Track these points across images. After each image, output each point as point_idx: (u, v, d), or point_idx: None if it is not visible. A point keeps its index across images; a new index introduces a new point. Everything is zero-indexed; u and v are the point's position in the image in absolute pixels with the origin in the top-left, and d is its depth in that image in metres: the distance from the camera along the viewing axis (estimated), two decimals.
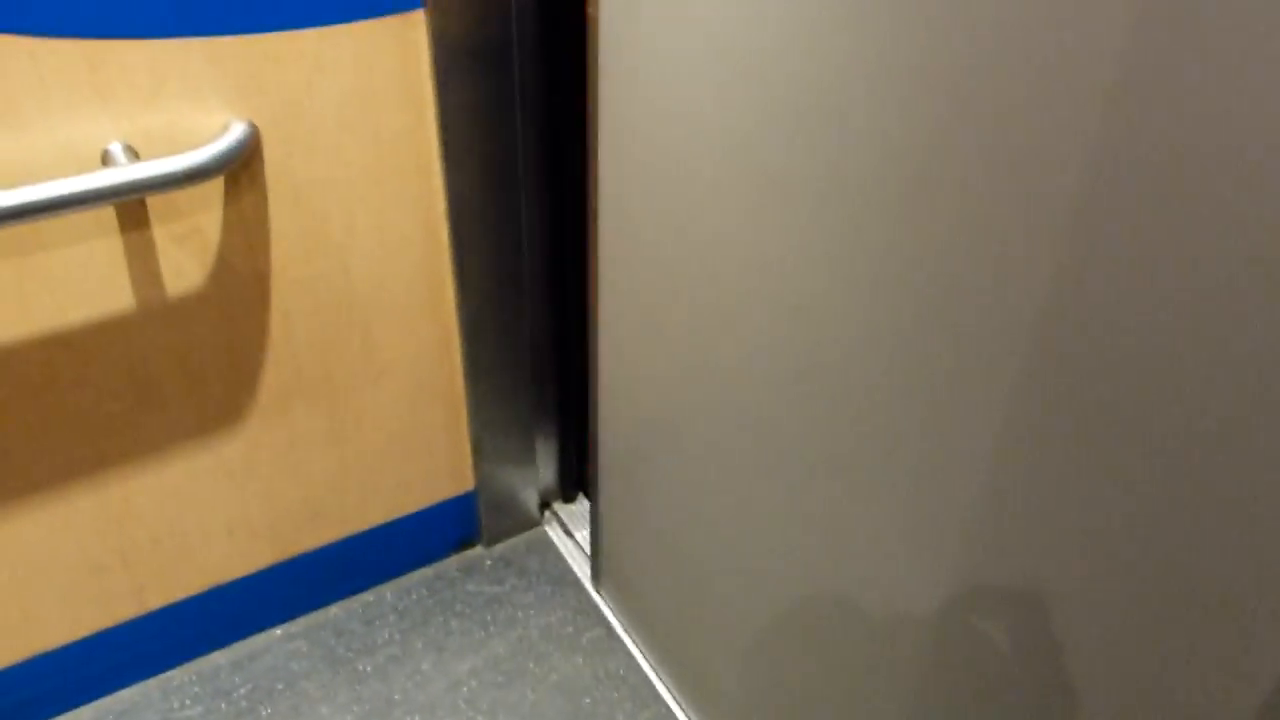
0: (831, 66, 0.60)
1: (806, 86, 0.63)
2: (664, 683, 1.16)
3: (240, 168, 0.89)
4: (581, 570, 1.32)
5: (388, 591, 1.28)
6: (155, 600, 1.10)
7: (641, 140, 0.83)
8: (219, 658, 1.19)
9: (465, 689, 1.16)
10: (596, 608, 1.26)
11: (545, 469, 1.35)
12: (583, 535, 1.36)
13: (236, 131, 0.84)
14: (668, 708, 1.14)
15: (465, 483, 1.28)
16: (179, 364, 0.96)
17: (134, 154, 0.82)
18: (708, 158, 0.75)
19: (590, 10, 0.85)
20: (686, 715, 1.13)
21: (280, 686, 1.15)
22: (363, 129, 0.93)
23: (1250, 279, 0.42)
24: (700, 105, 0.74)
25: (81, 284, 0.87)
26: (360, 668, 1.18)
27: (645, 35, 0.78)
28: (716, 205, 0.76)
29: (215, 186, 0.89)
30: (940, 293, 0.58)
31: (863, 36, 0.57)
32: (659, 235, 0.85)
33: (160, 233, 0.88)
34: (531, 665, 1.18)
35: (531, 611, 1.26)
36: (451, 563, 1.33)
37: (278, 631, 1.22)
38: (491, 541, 1.35)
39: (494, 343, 1.16)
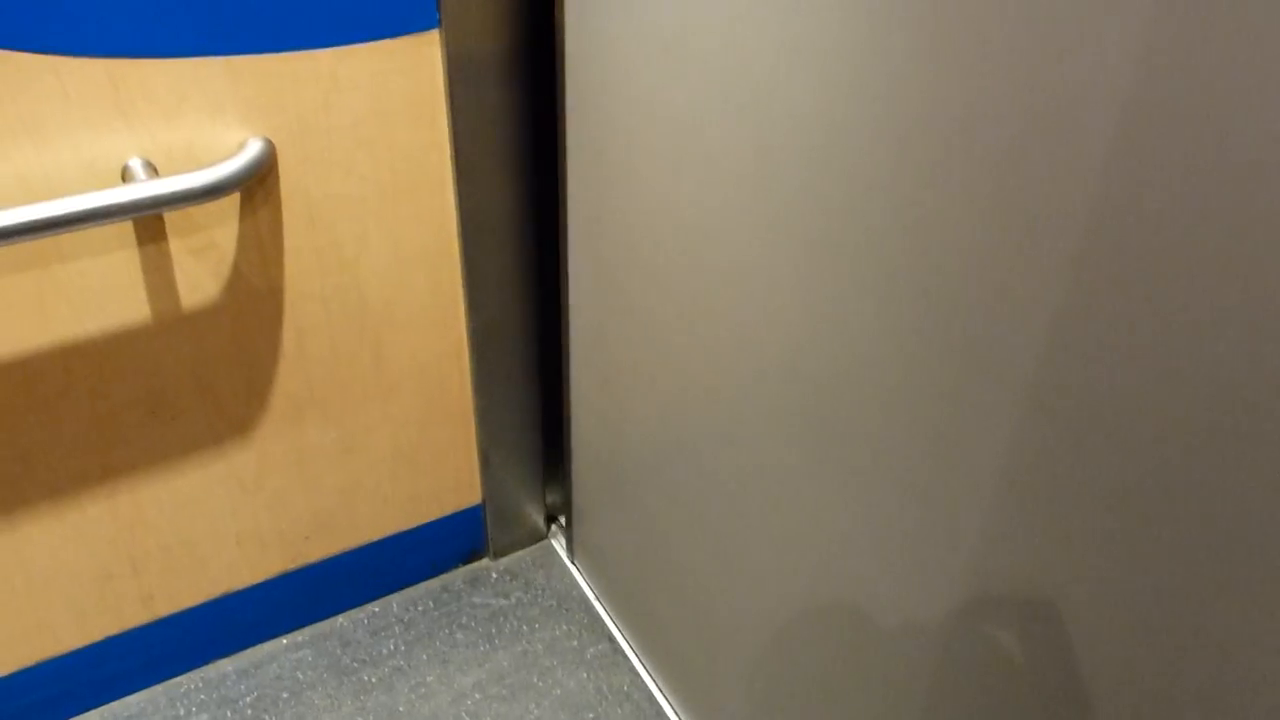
0: (828, 79, 0.61)
1: (804, 95, 0.64)
2: (669, 700, 1.16)
3: (256, 184, 0.90)
4: (587, 584, 1.32)
5: (394, 603, 1.29)
6: (164, 607, 1.12)
7: (612, 147, 0.85)
8: (226, 665, 1.20)
9: (469, 702, 1.16)
10: (601, 623, 1.26)
11: (552, 483, 1.36)
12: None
13: (254, 148, 0.85)
14: None
15: (473, 496, 1.29)
16: (192, 375, 0.97)
17: (153, 169, 0.84)
18: (681, 162, 0.76)
19: (557, 17, 0.88)
20: None
21: (285, 695, 1.16)
22: (377, 146, 0.95)
23: (1253, 299, 0.42)
24: (672, 110, 0.75)
25: (99, 295, 0.88)
26: (365, 678, 1.19)
27: (611, 49, 0.79)
28: (689, 202, 0.77)
29: (232, 202, 0.90)
30: (948, 295, 0.59)
31: (863, 51, 0.58)
32: (630, 224, 0.86)
33: (177, 246, 0.90)
34: (535, 680, 1.19)
35: (536, 625, 1.26)
36: (458, 575, 1.34)
37: (284, 640, 1.23)
38: (498, 554, 1.36)
39: (503, 357, 1.17)
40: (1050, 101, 0.48)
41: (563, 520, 1.42)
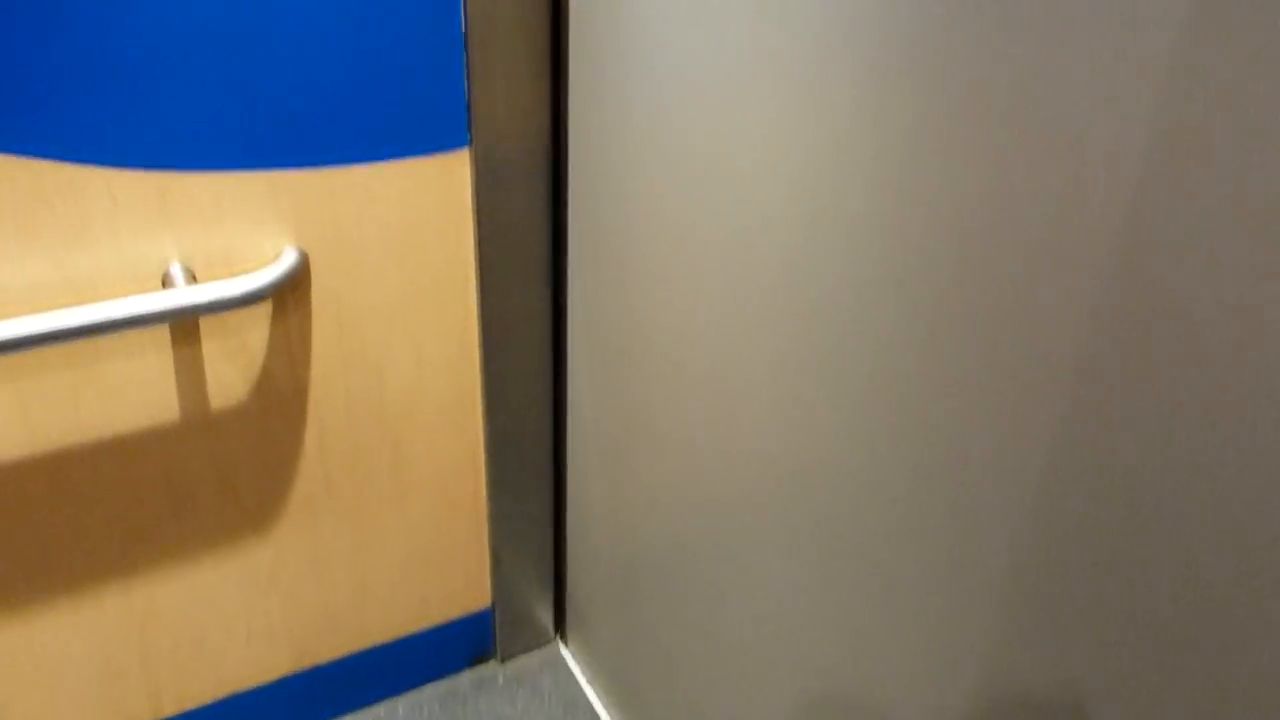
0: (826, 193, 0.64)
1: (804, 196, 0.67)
2: None
3: (289, 290, 0.94)
4: (593, 692, 1.31)
5: (400, 706, 1.28)
6: (170, 707, 1.11)
7: (609, 256, 0.88)
8: None
9: None
10: None
11: (563, 587, 1.36)
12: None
13: (289, 258, 0.89)
14: None
15: (483, 598, 1.29)
16: (215, 473, 0.99)
17: (192, 275, 0.88)
18: (679, 273, 0.79)
19: (563, 130, 0.93)
20: None
21: None
22: (405, 257, 0.99)
23: (1251, 403, 0.44)
24: (672, 219, 0.78)
25: (132, 395, 0.91)
26: None
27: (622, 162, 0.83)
28: (682, 311, 0.79)
29: (265, 307, 0.94)
30: (954, 410, 0.60)
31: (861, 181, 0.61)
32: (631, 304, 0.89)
33: (209, 348, 0.93)
34: None
35: None
36: (465, 678, 1.33)
37: None
38: (506, 658, 1.35)
39: (519, 460, 1.19)
40: (1049, 221, 0.51)
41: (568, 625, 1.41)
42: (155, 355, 0.91)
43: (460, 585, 1.26)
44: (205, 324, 0.92)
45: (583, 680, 1.33)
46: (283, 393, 0.99)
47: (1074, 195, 0.49)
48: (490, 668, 1.34)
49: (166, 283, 0.87)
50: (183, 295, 0.82)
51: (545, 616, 1.36)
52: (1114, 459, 0.50)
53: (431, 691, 1.30)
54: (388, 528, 1.15)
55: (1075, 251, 0.49)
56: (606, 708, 1.28)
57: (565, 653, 1.37)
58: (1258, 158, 0.40)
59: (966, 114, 0.54)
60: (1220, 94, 0.41)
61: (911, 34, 0.56)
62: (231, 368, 0.95)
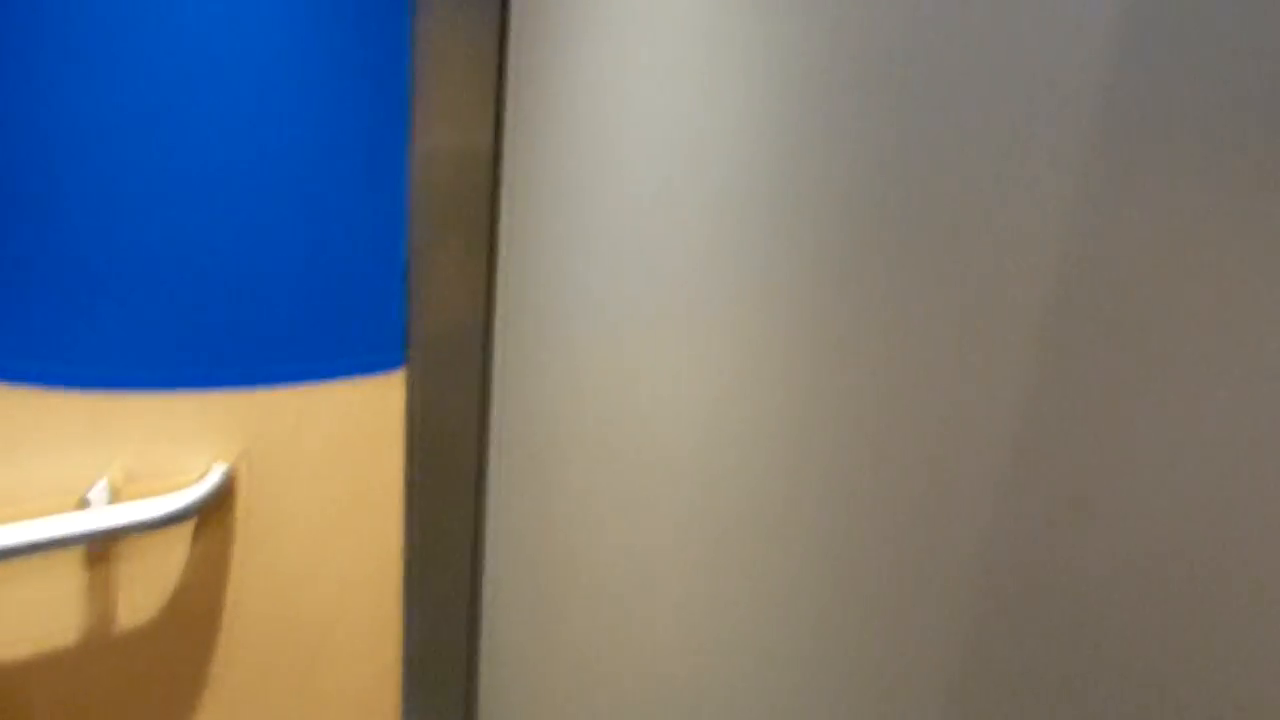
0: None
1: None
2: None
3: (213, 508, 0.94)
4: None
5: None
6: None
7: (532, 470, 0.90)
8: None
9: None
10: None
11: None
12: None
13: (214, 478, 0.90)
14: None
15: None
16: (114, 697, 0.95)
17: (115, 493, 0.87)
18: (593, 483, 0.81)
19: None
20: None
21: None
22: (334, 474, 1.00)
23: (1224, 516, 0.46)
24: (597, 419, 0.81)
25: (36, 618, 0.88)
26: None
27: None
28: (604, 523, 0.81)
29: (186, 524, 0.93)
30: (870, 623, 0.62)
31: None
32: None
33: (124, 568, 0.91)
34: None
35: None
36: None
37: None
38: None
39: (433, 686, 1.16)
40: (947, 432, 0.55)
41: None
42: (65, 576, 0.89)
43: None
44: (123, 543, 0.90)
45: None
46: (196, 612, 0.97)
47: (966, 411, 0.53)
48: None
49: (89, 502, 0.86)
50: (103, 517, 0.82)
51: None
52: (1025, 669, 0.52)
53: None
54: None
55: (969, 475, 0.53)
56: None
57: None
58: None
59: (875, 333, 0.58)
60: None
61: (812, 264, 0.62)
62: (145, 587, 0.93)
